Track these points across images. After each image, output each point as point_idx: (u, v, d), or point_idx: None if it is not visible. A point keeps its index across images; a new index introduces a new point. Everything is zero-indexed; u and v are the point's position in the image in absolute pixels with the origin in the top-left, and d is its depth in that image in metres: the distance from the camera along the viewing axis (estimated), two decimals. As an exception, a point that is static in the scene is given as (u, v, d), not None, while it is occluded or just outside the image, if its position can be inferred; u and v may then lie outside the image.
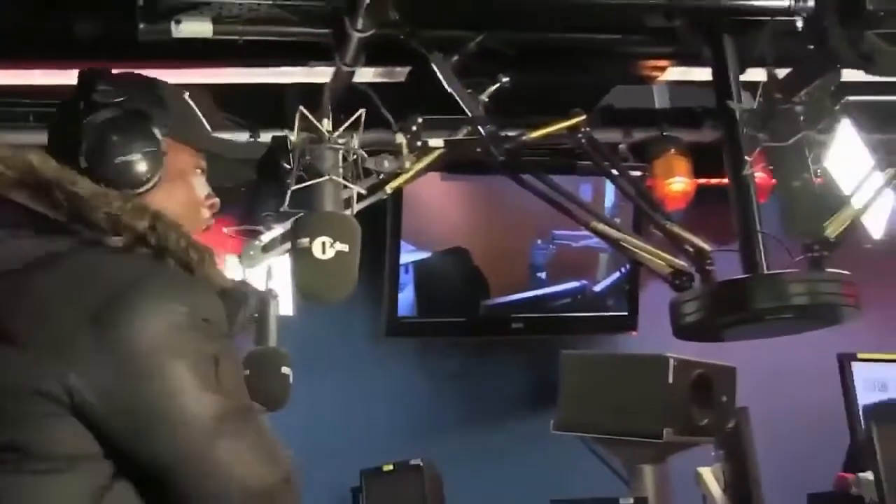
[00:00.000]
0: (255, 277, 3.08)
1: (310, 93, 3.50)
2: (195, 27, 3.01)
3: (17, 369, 1.40)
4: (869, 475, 3.05)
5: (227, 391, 1.46)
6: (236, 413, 1.47)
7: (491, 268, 4.18)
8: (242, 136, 3.64)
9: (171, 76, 3.41)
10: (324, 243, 2.16)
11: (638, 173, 3.79)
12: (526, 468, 3.95)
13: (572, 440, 3.33)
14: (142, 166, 1.57)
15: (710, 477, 3.25)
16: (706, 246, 3.13)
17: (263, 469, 1.48)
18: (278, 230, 3.07)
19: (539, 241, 4.19)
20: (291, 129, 3.69)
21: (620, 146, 3.83)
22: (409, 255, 3.97)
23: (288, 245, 3.02)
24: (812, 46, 2.41)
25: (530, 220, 4.06)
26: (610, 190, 4.11)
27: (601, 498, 3.20)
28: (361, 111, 2.28)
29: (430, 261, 4.08)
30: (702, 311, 3.05)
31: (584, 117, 2.83)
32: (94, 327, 1.39)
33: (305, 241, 2.17)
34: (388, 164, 2.45)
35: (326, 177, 2.23)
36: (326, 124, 2.29)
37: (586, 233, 3.54)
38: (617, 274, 4.30)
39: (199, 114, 1.70)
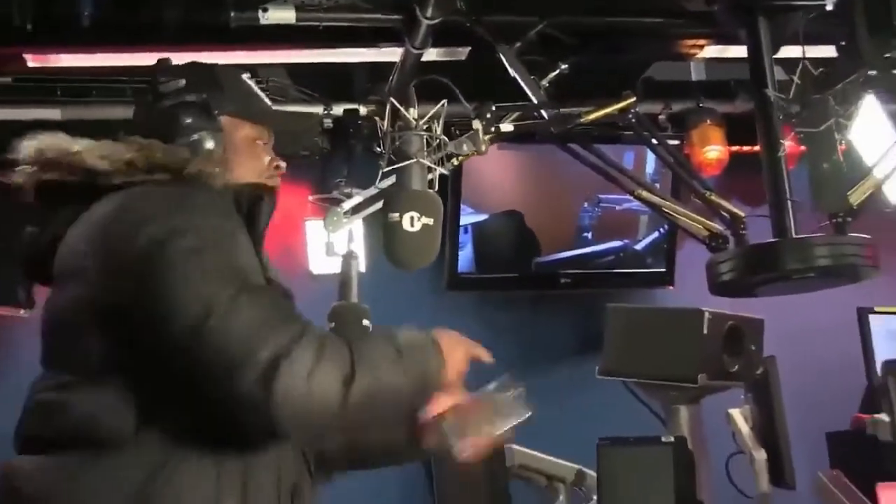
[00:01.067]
0: (338, 239, 3.30)
1: (374, 70, 3.74)
2: (280, 14, 3.15)
3: None
4: (883, 416, 3.06)
5: (217, 270, 1.49)
6: (240, 287, 1.49)
7: (542, 228, 4.22)
8: (316, 109, 3.80)
9: (257, 58, 3.60)
10: (412, 217, 2.32)
11: (676, 142, 3.87)
12: (574, 409, 4.03)
13: (615, 384, 3.34)
14: (201, 144, 1.69)
15: (740, 417, 3.28)
16: (740, 212, 3.22)
17: (272, 332, 1.46)
18: (356, 199, 3.26)
19: (586, 204, 4.24)
20: (359, 102, 3.88)
21: (660, 117, 3.91)
22: (468, 217, 4.06)
23: (365, 211, 3.25)
24: (844, 44, 2.50)
25: (578, 185, 4.13)
26: (651, 157, 4.15)
27: (645, 437, 3.15)
28: (443, 101, 2.40)
29: (487, 222, 4.14)
30: (736, 270, 3.15)
31: (634, 98, 2.92)
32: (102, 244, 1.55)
33: (396, 215, 2.32)
34: (465, 147, 2.56)
35: (414, 160, 2.38)
36: (413, 113, 2.41)
37: (629, 196, 3.57)
38: (656, 234, 4.33)
39: (257, 91, 1.81)
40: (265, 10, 3.12)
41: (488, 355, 1.73)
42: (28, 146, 1.65)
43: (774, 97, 2.83)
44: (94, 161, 1.62)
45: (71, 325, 1.57)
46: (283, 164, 1.78)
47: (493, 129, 2.63)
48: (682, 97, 4.01)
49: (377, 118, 2.48)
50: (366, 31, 3.37)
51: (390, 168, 2.44)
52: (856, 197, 3.13)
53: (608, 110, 2.91)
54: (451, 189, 3.90)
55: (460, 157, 2.62)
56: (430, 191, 2.42)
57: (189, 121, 1.69)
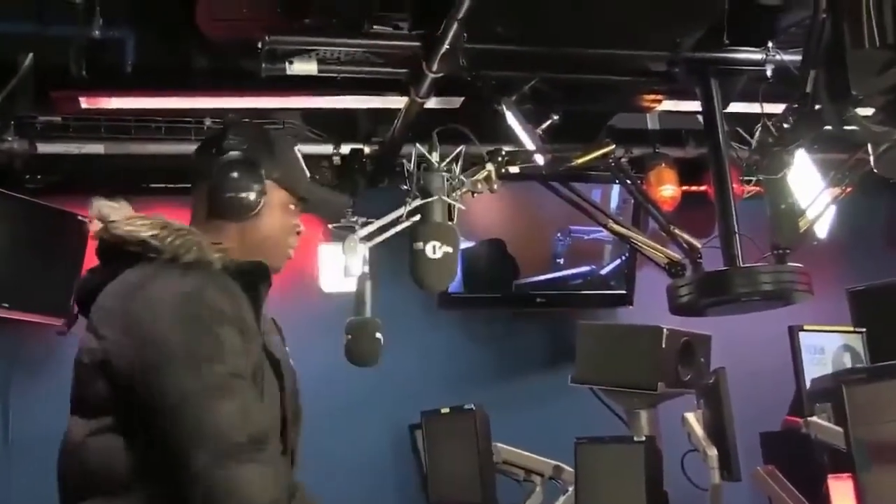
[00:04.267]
0: (355, 262, 3.35)
1: (375, 114, 3.79)
2: (304, 66, 3.20)
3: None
4: (814, 418, 3.11)
5: (206, 358, 1.54)
6: (223, 379, 1.54)
7: (521, 255, 4.28)
8: (326, 149, 3.84)
9: (280, 103, 3.66)
10: (434, 246, 2.32)
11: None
12: (550, 412, 4.09)
13: (585, 391, 3.46)
14: (245, 201, 1.75)
15: (694, 420, 3.35)
16: (697, 243, 3.35)
17: (239, 426, 1.52)
18: (370, 227, 3.34)
19: (559, 234, 4.28)
20: (363, 143, 3.90)
21: (622, 160, 3.88)
22: (458, 244, 4.10)
23: (377, 238, 3.30)
24: (797, 107, 2.62)
25: (552, 218, 4.18)
26: (614, 194, 4.24)
27: (619, 436, 3.24)
28: (461, 147, 2.43)
29: (473, 249, 4.15)
30: (692, 294, 3.26)
31: (613, 146, 3.01)
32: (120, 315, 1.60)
33: (420, 244, 2.33)
34: (480, 186, 2.58)
35: (436, 196, 2.40)
36: (435, 156, 2.42)
37: (595, 228, 3.72)
38: (618, 260, 4.39)
39: (302, 164, 1.86)
40: (291, 62, 3.18)
41: None
42: (95, 207, 1.74)
43: (731, 147, 2.91)
44: (122, 232, 1.69)
45: (88, 373, 1.62)
46: (303, 228, 1.87)
47: (503, 171, 2.66)
48: (640, 143, 4.13)
49: (404, 160, 2.49)
50: (374, 81, 3.44)
51: (416, 203, 2.41)
52: (794, 232, 3.24)
53: (595, 155, 2.96)
54: (444, 220, 3.94)
55: (474, 194, 2.62)
56: (449, 223, 2.43)
57: (237, 176, 1.76)
